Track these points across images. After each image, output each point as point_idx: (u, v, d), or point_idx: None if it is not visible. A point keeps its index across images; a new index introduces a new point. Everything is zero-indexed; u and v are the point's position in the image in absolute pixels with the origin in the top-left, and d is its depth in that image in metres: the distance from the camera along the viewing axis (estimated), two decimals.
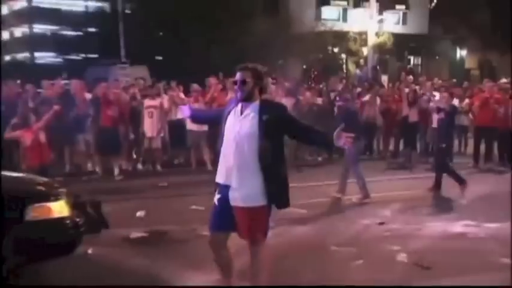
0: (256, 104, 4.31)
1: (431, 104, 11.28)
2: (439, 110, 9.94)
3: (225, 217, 4.31)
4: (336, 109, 10.88)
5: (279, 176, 4.31)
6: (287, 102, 11.93)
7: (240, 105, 4.35)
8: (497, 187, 9.79)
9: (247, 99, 4.31)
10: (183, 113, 4.79)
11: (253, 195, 4.22)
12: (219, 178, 4.36)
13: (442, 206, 8.43)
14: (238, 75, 4.34)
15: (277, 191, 4.29)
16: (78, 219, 5.35)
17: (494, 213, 7.71)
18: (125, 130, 11.95)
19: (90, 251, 5.93)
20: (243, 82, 4.29)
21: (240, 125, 4.27)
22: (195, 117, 5.41)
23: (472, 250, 6.34)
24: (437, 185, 9.47)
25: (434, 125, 10.98)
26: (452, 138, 9.93)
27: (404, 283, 5.30)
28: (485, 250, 6.30)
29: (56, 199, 5.22)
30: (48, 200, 5.18)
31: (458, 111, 9.93)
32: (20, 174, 6.84)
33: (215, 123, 4.63)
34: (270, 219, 4.37)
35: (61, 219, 5.14)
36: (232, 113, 4.37)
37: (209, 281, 4.67)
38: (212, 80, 12.60)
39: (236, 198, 4.25)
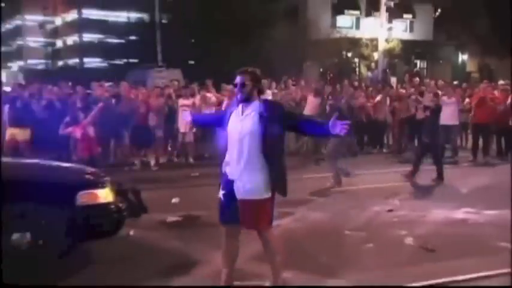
0: (255, 104, 4.21)
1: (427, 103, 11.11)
2: (425, 108, 9.82)
3: (233, 210, 4.20)
4: (327, 107, 10.79)
5: (279, 168, 4.20)
6: (315, 101, 11.90)
7: (240, 106, 4.25)
8: (494, 178, 9.59)
9: (246, 100, 4.21)
10: (185, 118, 4.72)
11: (257, 189, 4.11)
12: (225, 171, 4.26)
13: (445, 194, 8.26)
14: (238, 79, 4.24)
15: (276, 184, 4.16)
16: (121, 205, 5.39)
17: (492, 202, 7.52)
18: (159, 126, 11.92)
19: (131, 233, 5.92)
20: (243, 85, 4.20)
21: (241, 124, 4.17)
22: (196, 122, 5.49)
23: (472, 235, 6.21)
24: (413, 173, 9.37)
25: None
26: (436, 133, 9.72)
27: (410, 265, 5.18)
28: (484, 235, 6.17)
29: (102, 187, 5.24)
30: (95, 187, 5.20)
31: (441, 109, 9.75)
32: (71, 165, 6.85)
33: (216, 125, 4.54)
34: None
35: (106, 205, 5.16)
36: (234, 113, 4.28)
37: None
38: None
39: (241, 192, 4.14)
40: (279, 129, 4.21)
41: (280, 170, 4.22)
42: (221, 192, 4.29)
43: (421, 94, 12.58)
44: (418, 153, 9.84)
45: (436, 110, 9.56)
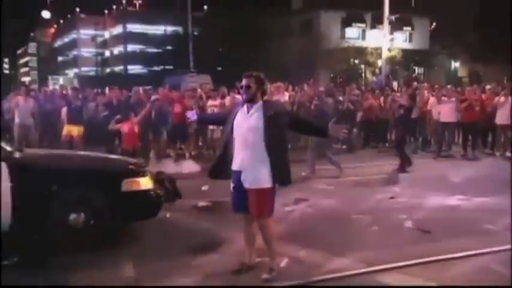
0: (259, 104, 4.15)
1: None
2: (400, 106, 9.79)
3: (242, 201, 4.15)
4: (312, 106, 10.72)
5: (281, 160, 4.13)
6: (329, 100, 11.80)
7: (245, 106, 4.18)
8: (482, 171, 9.48)
9: (251, 100, 4.15)
10: (191, 116, 4.69)
11: (260, 179, 4.05)
12: (234, 166, 4.19)
13: (440, 183, 8.12)
14: (244, 81, 4.19)
15: (281, 173, 4.10)
16: (159, 191, 5.41)
17: (480, 190, 7.42)
18: (191, 124, 11.94)
19: (168, 215, 5.93)
20: (248, 86, 4.15)
21: (247, 122, 4.11)
22: (201, 120, 5.47)
23: (463, 219, 6.13)
24: (402, 165, 9.35)
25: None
26: (408, 128, 9.87)
27: (410, 245, 5.12)
28: (473, 219, 6.08)
29: (143, 175, 5.28)
30: (137, 176, 5.24)
31: (413, 108, 9.75)
32: (117, 157, 6.95)
33: (219, 124, 4.48)
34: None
35: (147, 191, 5.19)
36: (239, 112, 4.20)
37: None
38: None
39: (247, 181, 4.09)
40: (280, 127, 4.14)
41: (282, 162, 4.14)
42: (231, 185, 4.25)
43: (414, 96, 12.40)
44: (396, 145, 9.90)
45: (409, 108, 9.57)
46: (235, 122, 4.18)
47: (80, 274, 4.33)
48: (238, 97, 12.47)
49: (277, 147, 4.10)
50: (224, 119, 4.40)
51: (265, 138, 4.03)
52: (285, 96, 12.61)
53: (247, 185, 4.10)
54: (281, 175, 4.13)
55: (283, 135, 4.24)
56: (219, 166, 4.30)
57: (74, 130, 9.84)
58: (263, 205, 4.11)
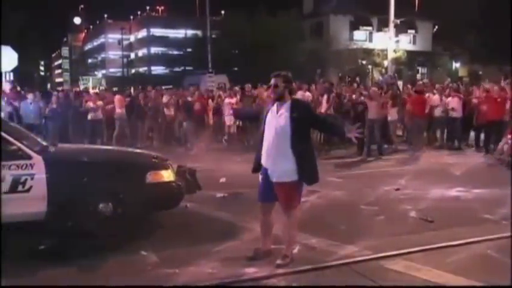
0: (288, 104, 4.14)
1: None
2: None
3: (268, 191, 4.17)
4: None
5: (307, 158, 4.12)
6: (324, 97, 11.69)
7: (275, 105, 4.18)
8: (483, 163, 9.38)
9: (279, 99, 4.15)
10: (229, 112, 4.75)
11: (286, 173, 4.06)
12: (262, 161, 4.20)
13: (441, 176, 8.02)
14: (272, 81, 4.19)
15: (305, 170, 4.09)
16: (180, 183, 5.41)
17: (480, 182, 7.33)
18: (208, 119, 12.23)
19: (188, 205, 5.95)
20: (276, 86, 4.15)
21: (276, 121, 4.12)
22: (237, 114, 5.42)
23: (463, 208, 6.07)
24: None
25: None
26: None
27: (412, 233, 5.07)
28: (472, 209, 6.02)
29: (165, 168, 5.28)
30: (160, 169, 5.24)
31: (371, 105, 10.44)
32: (141, 151, 6.98)
33: (254, 118, 4.48)
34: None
35: (169, 183, 5.20)
36: (270, 111, 4.22)
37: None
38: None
39: (274, 176, 4.11)
40: (305, 127, 4.18)
41: (309, 162, 4.14)
42: (260, 177, 4.27)
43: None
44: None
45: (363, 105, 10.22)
46: (266, 121, 4.21)
47: (108, 258, 4.37)
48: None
49: (303, 146, 4.10)
50: (254, 115, 4.42)
51: (291, 138, 4.05)
52: (307, 93, 12.48)
53: (274, 179, 4.12)
54: (308, 175, 4.14)
55: (308, 135, 4.26)
56: (258, 162, 4.29)
57: None
58: (289, 198, 4.13)
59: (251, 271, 4.07)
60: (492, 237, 4.84)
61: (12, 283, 3.84)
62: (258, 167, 4.29)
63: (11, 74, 15.15)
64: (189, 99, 12.55)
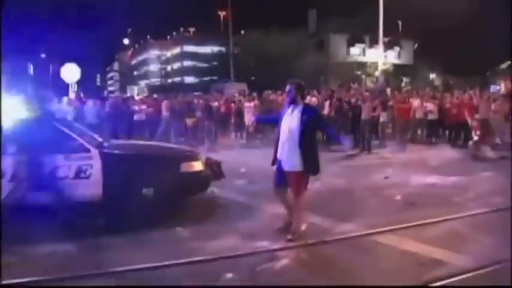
0: (300, 107, 4.16)
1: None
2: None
3: (281, 178, 4.20)
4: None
5: (311, 154, 4.12)
6: (326, 103, 11.56)
7: (291, 107, 4.19)
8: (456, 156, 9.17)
9: (293, 102, 4.18)
10: (250, 118, 4.82)
11: (295, 165, 4.08)
12: (278, 154, 4.22)
13: (421, 167, 7.87)
14: (287, 87, 4.25)
15: (310, 163, 4.10)
16: (208, 172, 5.40)
17: (453, 171, 7.22)
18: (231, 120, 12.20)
19: (215, 191, 5.92)
20: (290, 91, 4.20)
21: (290, 121, 4.13)
22: (259, 120, 5.55)
23: (440, 194, 5.97)
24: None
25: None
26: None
27: (398, 213, 5.03)
28: (447, 193, 5.95)
29: (196, 159, 5.28)
30: (192, 160, 5.24)
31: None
32: (175, 145, 7.00)
33: (274, 122, 4.48)
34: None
35: (199, 172, 5.19)
36: (286, 113, 4.23)
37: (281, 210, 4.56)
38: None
39: (286, 166, 4.14)
40: (312, 128, 4.19)
41: (311, 156, 4.14)
42: (275, 167, 4.28)
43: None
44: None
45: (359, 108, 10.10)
46: (282, 120, 4.23)
47: (151, 233, 4.39)
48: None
49: (308, 143, 4.12)
50: (273, 120, 4.48)
51: (299, 136, 4.07)
52: (313, 99, 12.37)
53: (286, 168, 4.15)
54: (311, 166, 4.15)
55: (313, 134, 4.29)
56: (275, 155, 4.30)
57: None
58: (298, 184, 4.15)
59: (266, 244, 4.07)
60: (462, 215, 4.86)
61: (11, 282, 3.32)
62: (276, 159, 4.29)
63: (76, 85, 15.62)
64: (216, 103, 12.54)
